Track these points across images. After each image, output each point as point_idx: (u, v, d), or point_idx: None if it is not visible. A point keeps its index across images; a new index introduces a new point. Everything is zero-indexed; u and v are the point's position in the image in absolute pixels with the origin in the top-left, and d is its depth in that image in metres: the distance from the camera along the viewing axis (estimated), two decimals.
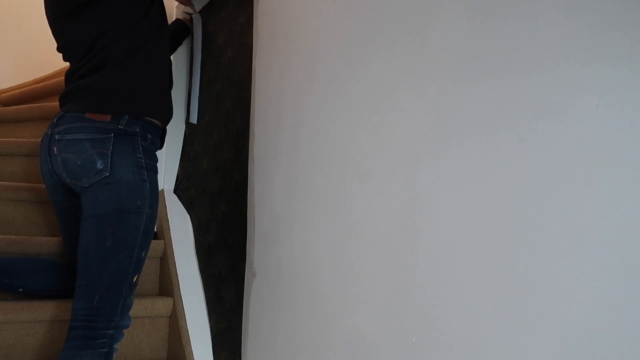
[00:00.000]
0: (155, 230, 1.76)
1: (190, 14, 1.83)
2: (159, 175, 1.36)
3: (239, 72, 1.52)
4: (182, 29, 1.80)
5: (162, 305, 1.55)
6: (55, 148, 1.26)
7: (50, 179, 1.33)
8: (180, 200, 1.82)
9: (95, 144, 1.22)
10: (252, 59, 1.45)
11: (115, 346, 1.20)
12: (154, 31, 1.34)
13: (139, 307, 1.51)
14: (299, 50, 1.22)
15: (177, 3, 1.84)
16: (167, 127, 1.43)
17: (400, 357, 0.81)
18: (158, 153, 1.37)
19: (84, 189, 1.23)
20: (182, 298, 1.55)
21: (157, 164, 1.34)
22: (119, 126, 1.24)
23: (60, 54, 1.38)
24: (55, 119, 1.29)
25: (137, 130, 1.27)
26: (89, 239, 1.21)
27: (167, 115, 1.39)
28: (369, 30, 0.97)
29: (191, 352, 1.44)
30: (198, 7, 1.82)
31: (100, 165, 1.21)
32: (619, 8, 0.56)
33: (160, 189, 1.72)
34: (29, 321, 1.39)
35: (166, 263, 1.67)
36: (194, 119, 1.80)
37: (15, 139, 2.04)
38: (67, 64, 1.37)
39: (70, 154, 1.23)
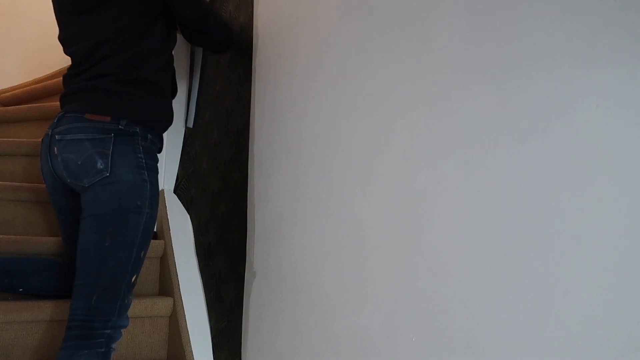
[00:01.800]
0: (155, 230, 1.76)
1: None
2: (159, 175, 1.36)
3: (239, 72, 1.52)
4: None
5: (162, 305, 1.55)
6: (55, 148, 1.26)
7: (50, 179, 1.33)
8: (180, 200, 1.82)
9: (96, 143, 1.22)
10: (252, 59, 1.45)
11: (113, 346, 1.20)
12: (159, 44, 1.33)
13: (139, 307, 1.51)
14: (299, 51, 1.22)
15: None
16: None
17: (401, 356, 0.81)
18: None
19: (85, 188, 1.23)
20: (182, 298, 1.54)
21: (157, 164, 1.34)
22: (119, 126, 1.24)
23: (60, 52, 1.38)
24: (56, 119, 1.29)
25: (137, 130, 1.27)
26: (88, 238, 1.21)
27: (166, 124, 1.39)
28: (370, 32, 0.97)
29: (191, 352, 1.44)
30: None
31: (101, 165, 1.21)
32: (619, 8, 0.56)
33: (160, 189, 1.71)
34: (29, 321, 1.39)
35: (166, 263, 1.67)
36: (190, 123, 1.80)
37: (15, 139, 2.03)
38: (67, 65, 1.37)
39: (71, 154, 1.23)
